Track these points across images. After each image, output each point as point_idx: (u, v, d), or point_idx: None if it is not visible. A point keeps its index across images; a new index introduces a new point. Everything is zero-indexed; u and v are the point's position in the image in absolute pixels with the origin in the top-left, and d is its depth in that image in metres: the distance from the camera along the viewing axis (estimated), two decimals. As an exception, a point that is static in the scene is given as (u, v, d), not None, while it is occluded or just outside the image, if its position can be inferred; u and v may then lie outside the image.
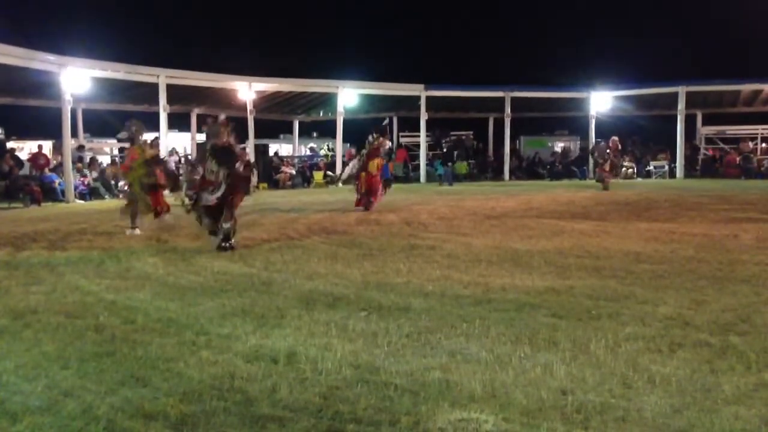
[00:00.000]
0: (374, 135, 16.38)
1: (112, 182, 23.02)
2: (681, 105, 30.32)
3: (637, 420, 3.49)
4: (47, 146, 26.95)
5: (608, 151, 23.36)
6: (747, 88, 30.61)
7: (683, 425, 3.43)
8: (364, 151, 16.30)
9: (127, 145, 15.37)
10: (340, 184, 19.60)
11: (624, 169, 31.36)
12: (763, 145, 32.10)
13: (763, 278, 6.96)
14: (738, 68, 39.71)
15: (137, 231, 11.77)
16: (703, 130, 33.83)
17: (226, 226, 9.51)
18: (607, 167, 22.92)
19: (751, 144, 31.80)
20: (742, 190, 21.14)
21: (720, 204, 15.93)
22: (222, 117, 10.13)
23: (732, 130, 33.69)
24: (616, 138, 24.03)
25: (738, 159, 30.80)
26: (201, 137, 30.95)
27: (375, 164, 15.83)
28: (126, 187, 12.87)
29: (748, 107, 32.95)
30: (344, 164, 18.17)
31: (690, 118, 32.24)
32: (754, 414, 3.54)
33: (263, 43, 51.50)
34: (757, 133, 32.22)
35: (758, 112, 32.65)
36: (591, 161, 30.90)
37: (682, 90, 30.06)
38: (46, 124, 27.88)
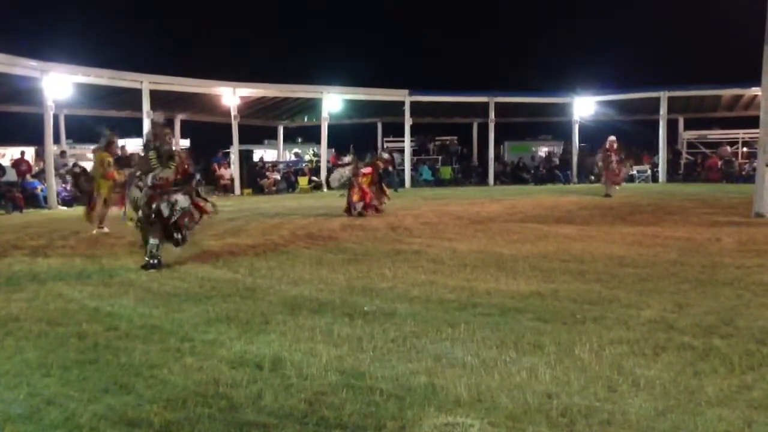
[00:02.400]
0: (373, 153, 16.73)
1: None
2: (663, 110, 30.61)
3: (622, 423, 3.50)
4: (29, 152, 26.72)
5: (600, 155, 21.99)
6: (728, 92, 30.97)
7: (668, 428, 3.45)
8: (360, 163, 16.33)
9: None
10: (325, 189, 19.45)
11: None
12: (744, 149, 32.45)
13: (745, 281, 7.02)
14: (719, 73, 40.12)
15: (105, 229, 12.72)
16: (685, 135, 34.16)
17: (153, 242, 8.60)
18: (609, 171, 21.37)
19: (729, 149, 32.12)
20: (724, 193, 21.33)
21: (702, 208, 16.06)
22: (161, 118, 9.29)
23: (714, 134, 34.06)
24: (612, 138, 22.11)
25: (719, 163, 31.11)
26: (185, 143, 30.98)
27: (369, 178, 15.97)
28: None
29: (730, 112, 33.33)
30: (336, 167, 17.88)
31: (672, 123, 32.54)
32: (737, 416, 3.56)
33: (248, 48, 51.38)
34: (739, 138, 32.57)
35: (739, 116, 33.03)
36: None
37: (663, 95, 30.36)
38: (28, 131, 27.68)
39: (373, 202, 15.98)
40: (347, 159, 18.21)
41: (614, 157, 21.56)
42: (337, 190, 16.52)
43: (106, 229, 12.76)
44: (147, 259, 8.56)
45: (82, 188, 13.37)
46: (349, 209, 15.64)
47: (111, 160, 13.39)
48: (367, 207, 15.73)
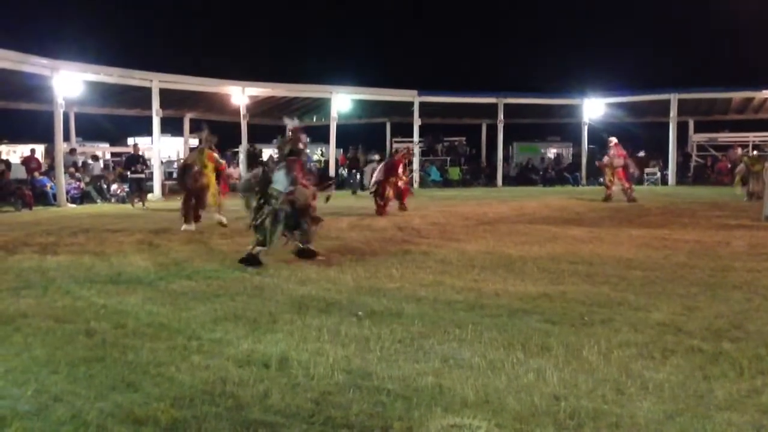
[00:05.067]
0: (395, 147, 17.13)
1: (105, 186, 23.00)
2: (673, 112, 30.47)
3: (630, 426, 3.48)
4: (39, 150, 26.85)
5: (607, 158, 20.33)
6: (738, 95, 30.82)
7: (676, 431, 3.43)
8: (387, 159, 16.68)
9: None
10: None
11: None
12: (755, 152, 32.27)
13: (755, 285, 6.98)
14: (730, 76, 39.97)
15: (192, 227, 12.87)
16: (695, 137, 34.01)
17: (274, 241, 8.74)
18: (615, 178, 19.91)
19: (740, 151, 31.97)
20: (733, 197, 21.18)
21: (712, 211, 15.98)
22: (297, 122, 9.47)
23: (724, 137, 33.91)
24: (613, 138, 20.70)
25: (729, 166, 30.96)
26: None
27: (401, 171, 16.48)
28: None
29: (740, 115, 33.17)
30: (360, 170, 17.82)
31: (682, 126, 32.39)
32: (746, 420, 3.54)
33: (257, 47, 51.50)
34: (749, 141, 32.40)
35: (750, 119, 32.87)
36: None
37: (674, 97, 30.22)
38: (39, 128, 27.82)
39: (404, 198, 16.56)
40: (377, 157, 18.16)
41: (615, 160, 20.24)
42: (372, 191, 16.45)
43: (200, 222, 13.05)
44: (253, 254, 8.52)
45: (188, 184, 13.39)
46: (382, 208, 15.74)
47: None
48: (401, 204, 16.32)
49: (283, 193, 8.66)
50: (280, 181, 8.68)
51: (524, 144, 37.93)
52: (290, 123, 9.35)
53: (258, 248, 8.60)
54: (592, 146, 33.77)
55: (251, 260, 8.50)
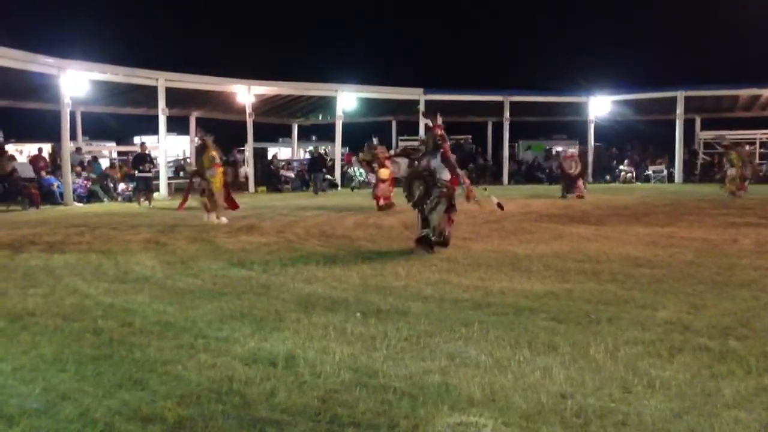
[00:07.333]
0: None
1: (111, 185, 23.06)
2: (679, 109, 30.38)
3: (637, 424, 3.47)
4: (46, 149, 26.91)
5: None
6: (745, 93, 30.72)
7: (683, 430, 3.42)
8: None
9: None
10: (339, 188, 19.54)
11: (623, 173, 31.37)
12: (761, 150, 32.16)
13: (763, 283, 6.95)
14: (737, 73, 39.85)
15: (223, 219, 13.72)
16: (702, 135, 33.90)
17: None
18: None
19: (747, 149, 31.86)
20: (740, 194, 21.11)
21: (719, 208, 15.92)
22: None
23: (730, 134, 33.78)
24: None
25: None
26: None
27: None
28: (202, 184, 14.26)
29: (747, 112, 33.04)
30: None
31: (688, 123, 32.29)
32: (754, 418, 3.53)
33: (263, 46, 51.54)
34: (756, 138, 32.28)
35: (756, 117, 32.74)
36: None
37: (680, 95, 30.12)
38: (45, 127, 27.90)
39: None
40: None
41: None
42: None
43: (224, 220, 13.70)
44: (431, 235, 9.37)
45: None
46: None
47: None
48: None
49: (447, 180, 9.45)
50: (441, 170, 9.47)
51: (530, 142, 37.86)
52: (428, 122, 10.24)
53: (426, 230, 9.39)
54: (598, 144, 33.68)
55: (426, 242, 9.30)
